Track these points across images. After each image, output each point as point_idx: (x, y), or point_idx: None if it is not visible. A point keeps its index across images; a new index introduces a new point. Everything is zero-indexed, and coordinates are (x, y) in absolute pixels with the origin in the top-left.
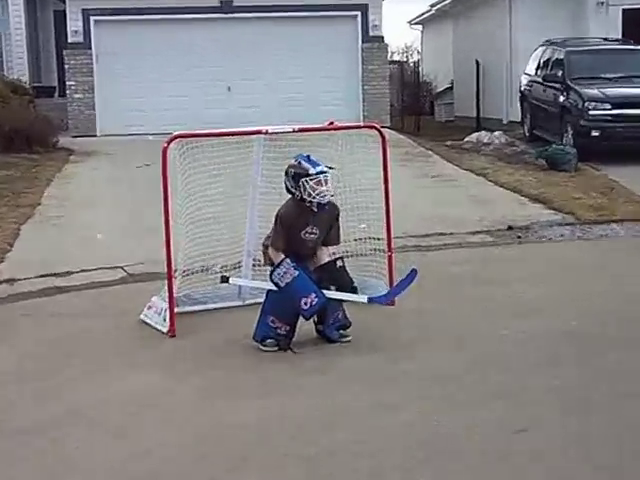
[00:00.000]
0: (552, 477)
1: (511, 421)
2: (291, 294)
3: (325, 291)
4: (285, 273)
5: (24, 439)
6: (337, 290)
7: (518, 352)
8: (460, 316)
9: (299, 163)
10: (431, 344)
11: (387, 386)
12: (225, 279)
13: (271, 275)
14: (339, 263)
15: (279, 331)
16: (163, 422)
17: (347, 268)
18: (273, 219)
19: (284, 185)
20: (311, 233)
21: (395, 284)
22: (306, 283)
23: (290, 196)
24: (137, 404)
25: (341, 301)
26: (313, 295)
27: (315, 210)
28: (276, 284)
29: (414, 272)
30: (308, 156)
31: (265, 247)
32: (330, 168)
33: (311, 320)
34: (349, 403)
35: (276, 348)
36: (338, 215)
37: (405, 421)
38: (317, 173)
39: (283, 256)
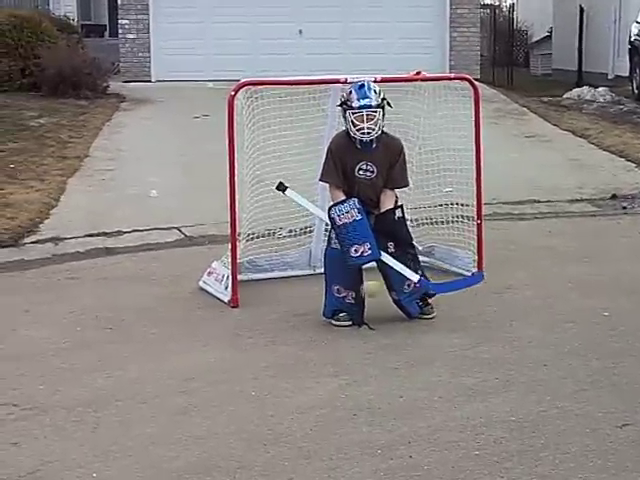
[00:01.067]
0: None
1: (614, 413)
2: (344, 236)
3: (383, 252)
4: (347, 212)
5: (77, 414)
6: (395, 246)
7: (620, 336)
8: (553, 295)
9: (350, 92)
10: (520, 324)
11: (471, 370)
12: (283, 187)
13: (330, 209)
14: (397, 214)
15: (347, 300)
16: (226, 401)
17: (410, 223)
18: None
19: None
20: (366, 170)
21: (460, 279)
22: (365, 231)
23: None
24: (197, 381)
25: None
26: (367, 246)
27: (358, 147)
28: (332, 219)
29: (481, 276)
30: (362, 84)
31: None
32: (384, 101)
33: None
34: (429, 387)
35: (349, 322)
36: (401, 151)
37: (492, 409)
38: (360, 107)
39: (343, 197)
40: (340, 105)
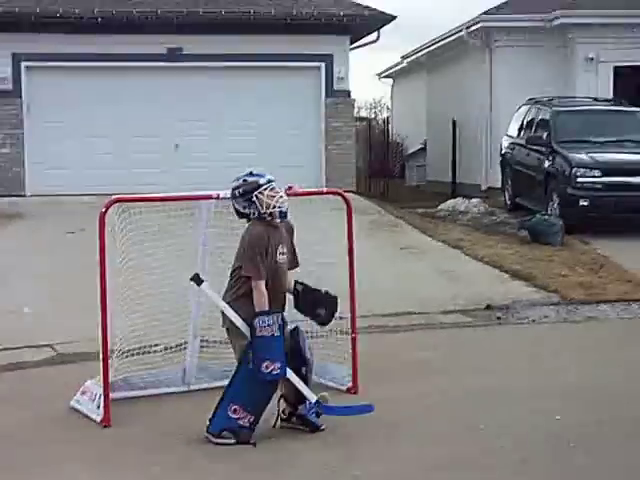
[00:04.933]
0: None
1: None
2: (258, 349)
3: (289, 370)
4: (268, 326)
5: None
6: (326, 307)
7: (496, 450)
8: (429, 407)
9: (244, 180)
10: (396, 440)
11: None
12: (198, 280)
13: (256, 316)
14: (299, 287)
15: (241, 422)
16: None
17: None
18: (238, 252)
19: (234, 211)
20: (283, 253)
21: (348, 405)
22: (279, 350)
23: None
24: None
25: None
26: (278, 365)
27: (278, 222)
28: (253, 328)
29: (371, 407)
30: (251, 172)
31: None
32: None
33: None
34: None
35: (233, 441)
36: (294, 230)
37: None
38: (268, 181)
39: (267, 306)
40: (242, 195)
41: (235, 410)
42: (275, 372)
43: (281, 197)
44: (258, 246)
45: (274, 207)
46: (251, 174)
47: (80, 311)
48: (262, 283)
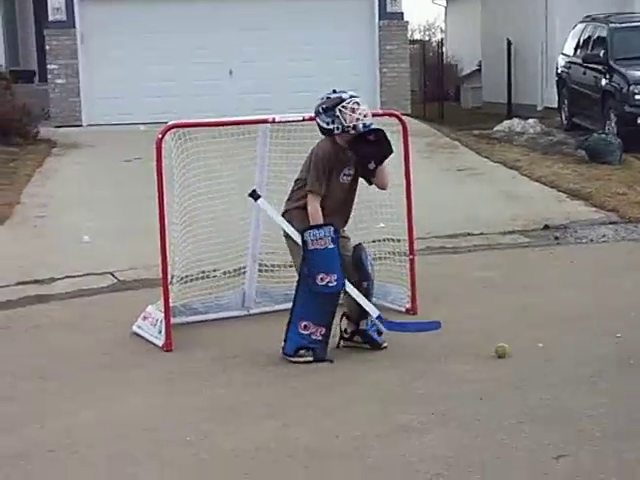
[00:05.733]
0: None
1: (550, 445)
2: (312, 262)
3: (347, 282)
4: (321, 239)
5: (7, 466)
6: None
7: (555, 367)
8: (490, 327)
9: (327, 97)
10: (458, 358)
11: (407, 406)
12: (255, 195)
13: (305, 231)
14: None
15: (314, 337)
16: (160, 447)
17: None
18: (307, 163)
19: (318, 127)
20: (348, 175)
21: (416, 322)
22: (334, 261)
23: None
24: (131, 427)
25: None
26: (334, 277)
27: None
28: (305, 242)
29: (438, 324)
30: (334, 90)
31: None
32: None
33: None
34: (365, 426)
35: (310, 359)
36: None
37: (428, 445)
38: (351, 97)
39: (322, 220)
40: (326, 111)
41: (305, 326)
42: (332, 284)
43: (364, 110)
44: (323, 163)
45: (357, 120)
46: (334, 92)
47: (139, 238)
48: (318, 199)
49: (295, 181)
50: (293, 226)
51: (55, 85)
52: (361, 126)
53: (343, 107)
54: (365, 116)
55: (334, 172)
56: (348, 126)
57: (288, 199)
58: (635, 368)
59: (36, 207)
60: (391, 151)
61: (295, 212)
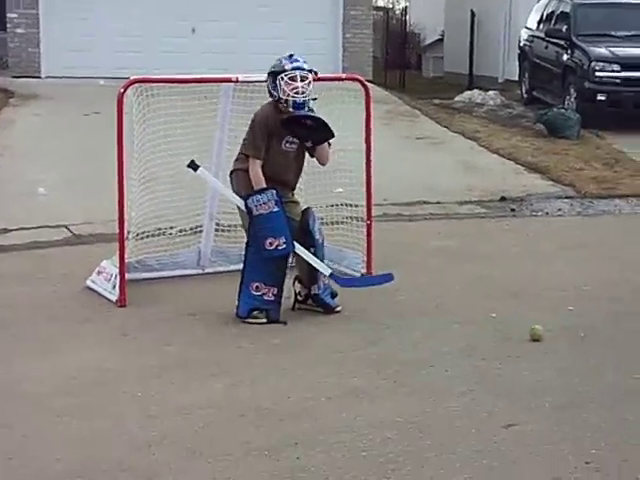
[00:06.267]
0: (542, 472)
1: (499, 414)
2: (259, 227)
3: (296, 244)
4: (264, 203)
5: None
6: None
7: (506, 337)
8: (444, 295)
9: (279, 61)
10: (412, 324)
11: (359, 371)
12: (194, 165)
13: (247, 198)
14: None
15: (266, 297)
16: (110, 402)
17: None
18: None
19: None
20: (291, 142)
21: (369, 276)
22: (281, 224)
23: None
24: (80, 381)
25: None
26: (282, 240)
27: (290, 111)
28: (249, 209)
29: (390, 276)
30: (291, 54)
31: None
32: (311, 72)
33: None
34: (317, 388)
35: (265, 320)
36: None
37: (379, 410)
38: (293, 69)
39: (263, 184)
40: (270, 75)
41: (257, 287)
42: (281, 247)
43: (298, 88)
44: (260, 127)
45: (288, 95)
46: (290, 57)
47: (95, 193)
48: (258, 163)
49: (243, 140)
50: (237, 189)
51: (14, 34)
52: (291, 102)
53: (281, 78)
54: (300, 93)
55: (274, 138)
56: (281, 98)
57: (236, 159)
58: (585, 340)
59: None
60: (331, 136)
61: (241, 174)
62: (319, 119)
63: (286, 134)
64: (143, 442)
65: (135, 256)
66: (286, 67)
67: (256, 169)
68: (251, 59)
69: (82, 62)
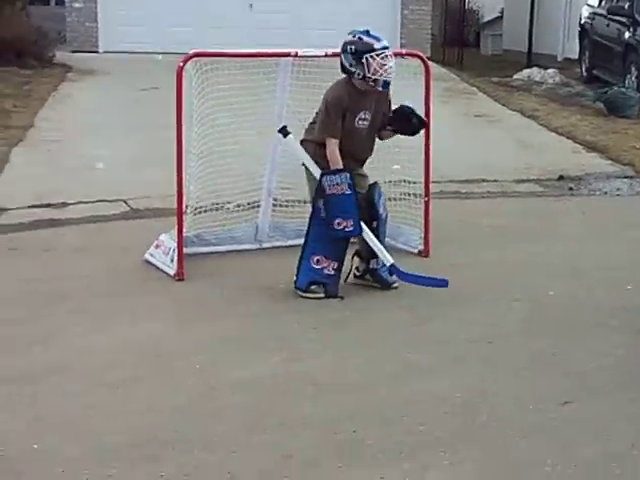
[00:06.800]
0: (600, 453)
1: (557, 391)
2: (329, 207)
3: (364, 226)
4: (338, 184)
5: (14, 387)
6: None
7: (564, 315)
8: (500, 274)
9: (359, 38)
10: (466, 303)
11: (417, 347)
12: (285, 132)
13: (322, 176)
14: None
15: (326, 271)
16: (168, 374)
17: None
18: (320, 107)
19: (340, 65)
20: (363, 119)
21: (426, 276)
22: (351, 207)
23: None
24: (139, 353)
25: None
26: (350, 222)
27: (379, 89)
28: (322, 187)
29: (445, 282)
30: (367, 30)
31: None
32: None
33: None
34: (375, 363)
35: (322, 295)
36: (389, 98)
37: (436, 385)
38: (382, 48)
39: (341, 166)
40: (354, 53)
41: (318, 260)
42: (348, 229)
43: (390, 67)
44: (335, 109)
45: (380, 75)
46: (367, 33)
47: (154, 167)
48: (335, 142)
49: (316, 114)
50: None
51: (72, 9)
52: (381, 81)
53: (371, 57)
54: (390, 72)
55: (348, 115)
56: (369, 77)
57: (306, 130)
58: None
59: (50, 131)
60: (422, 128)
61: (309, 145)
62: (422, 119)
63: (360, 110)
64: (201, 414)
65: (193, 230)
66: (375, 46)
67: (333, 148)
68: (307, 35)
69: (139, 37)
